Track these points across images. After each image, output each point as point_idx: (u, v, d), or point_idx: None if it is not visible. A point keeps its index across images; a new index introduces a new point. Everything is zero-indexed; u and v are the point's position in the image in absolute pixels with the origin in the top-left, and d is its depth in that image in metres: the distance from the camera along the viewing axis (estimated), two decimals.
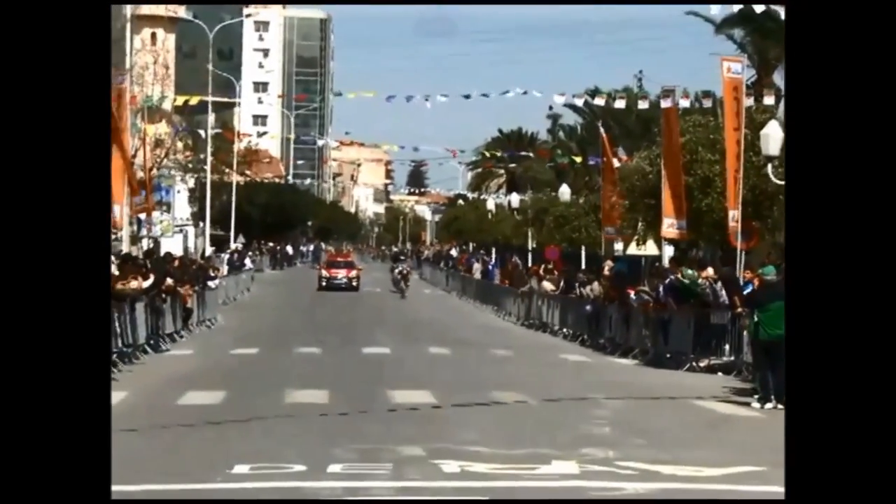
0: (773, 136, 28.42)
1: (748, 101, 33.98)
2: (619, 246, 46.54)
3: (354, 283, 68.55)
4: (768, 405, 21.02)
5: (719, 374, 26.38)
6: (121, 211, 34.51)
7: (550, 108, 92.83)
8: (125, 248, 42.31)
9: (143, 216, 47.15)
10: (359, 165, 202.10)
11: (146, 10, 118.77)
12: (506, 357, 31.35)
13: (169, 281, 32.90)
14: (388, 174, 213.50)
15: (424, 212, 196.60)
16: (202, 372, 25.91)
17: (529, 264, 56.98)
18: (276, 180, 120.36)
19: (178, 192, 72.72)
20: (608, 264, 40.20)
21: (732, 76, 30.52)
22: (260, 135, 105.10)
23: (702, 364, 27.56)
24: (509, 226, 75.66)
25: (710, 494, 12.53)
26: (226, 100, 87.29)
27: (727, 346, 27.38)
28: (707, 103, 46.81)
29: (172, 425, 17.54)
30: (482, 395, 21.53)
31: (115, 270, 27.91)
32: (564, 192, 59.42)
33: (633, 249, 46.23)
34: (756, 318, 22.24)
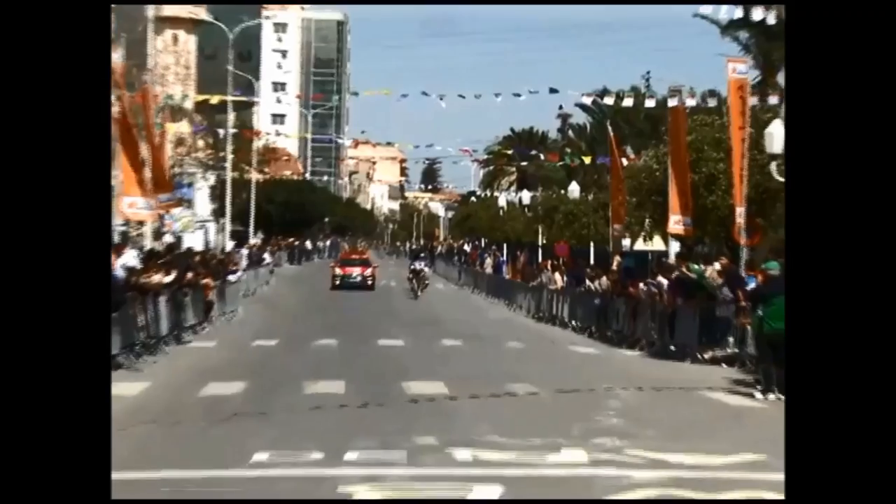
0: (776, 135, 28.37)
1: (752, 101, 33.94)
2: (626, 242, 46.56)
3: (370, 282, 63.18)
4: (771, 396, 21.06)
5: (723, 365, 26.38)
6: (152, 206, 34.42)
7: (560, 107, 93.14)
8: (148, 243, 42.45)
9: (164, 212, 47.18)
10: (374, 163, 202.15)
11: (168, 11, 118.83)
12: (517, 349, 31.36)
13: (190, 275, 32.99)
14: (403, 172, 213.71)
15: (438, 209, 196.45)
16: (223, 363, 25.97)
17: (540, 260, 56.98)
18: (294, 178, 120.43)
19: (199, 189, 72.84)
20: (616, 260, 40.26)
21: (738, 76, 30.48)
22: (278, 133, 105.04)
23: (706, 356, 27.56)
24: (520, 223, 75.64)
25: (715, 483, 12.54)
26: (245, 99, 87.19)
27: (731, 339, 27.38)
28: (712, 103, 46.72)
29: (194, 415, 17.61)
30: (495, 387, 21.54)
31: (138, 265, 28.01)
32: (574, 189, 59.45)
33: (640, 245, 46.28)
34: (760, 313, 22.27)
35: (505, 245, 77.57)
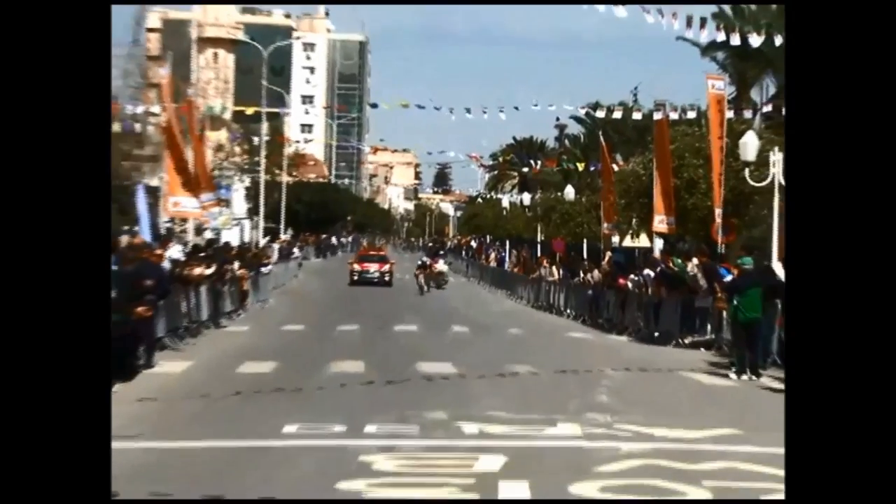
0: (750, 144, 28.35)
1: (729, 114, 33.88)
2: (615, 239, 46.48)
3: (387, 278, 57.83)
4: (744, 377, 21.15)
5: (701, 350, 26.34)
6: (194, 205, 34.45)
7: (557, 119, 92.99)
8: (191, 238, 42.46)
9: (205, 211, 47.15)
10: (391, 168, 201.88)
11: (210, 32, 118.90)
12: (519, 335, 31.34)
13: (228, 267, 33.00)
14: (417, 175, 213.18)
15: (448, 208, 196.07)
16: (257, 345, 25.98)
17: (538, 255, 56.91)
18: (320, 180, 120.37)
19: (236, 190, 72.76)
20: (608, 255, 40.20)
21: (716, 92, 30.41)
22: (306, 141, 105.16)
23: (686, 341, 27.53)
24: (521, 221, 75.50)
25: (694, 453, 12.53)
26: (277, 110, 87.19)
27: (709, 326, 27.34)
28: (693, 115, 46.62)
29: (231, 390, 17.63)
30: (498, 368, 21.54)
31: (182, 258, 28.05)
32: (569, 192, 59.32)
33: (627, 242, 46.20)
34: (735, 303, 22.28)
35: (507, 241, 77.48)
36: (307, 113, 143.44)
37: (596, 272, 37.19)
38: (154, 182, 46.83)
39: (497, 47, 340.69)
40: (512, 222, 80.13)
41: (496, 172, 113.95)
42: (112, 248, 20.28)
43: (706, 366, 23.18)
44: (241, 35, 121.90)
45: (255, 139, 72.94)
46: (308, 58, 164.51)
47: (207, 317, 29.20)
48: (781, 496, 10.57)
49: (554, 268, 45.89)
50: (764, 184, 27.37)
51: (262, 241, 65.90)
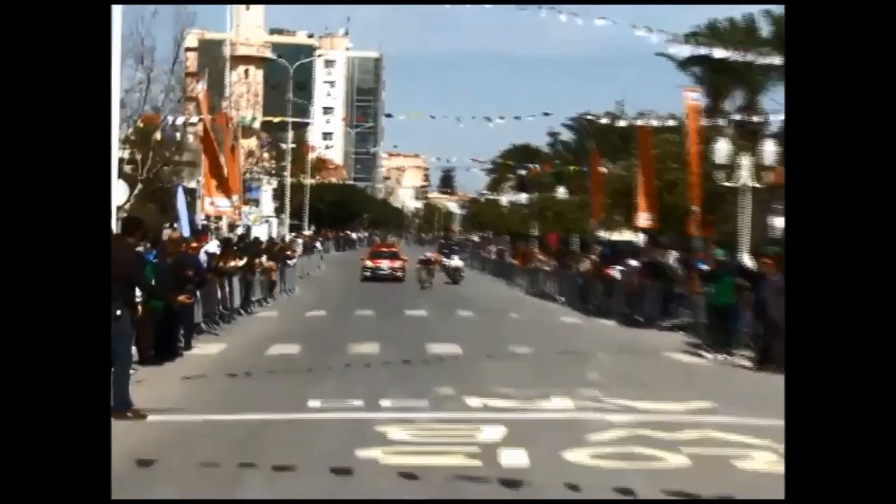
0: (721, 150, 28.36)
1: (704, 122, 33.84)
2: (603, 234, 46.51)
3: (399, 274, 51.99)
4: (719, 357, 21.11)
5: (680, 332, 26.33)
6: (228, 204, 34.56)
7: (551, 127, 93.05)
8: (225, 234, 42.46)
9: (237, 209, 47.11)
10: (403, 171, 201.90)
11: (242, 51, 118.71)
12: (517, 319, 31.33)
13: (257, 259, 33.01)
14: (426, 177, 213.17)
15: (454, 207, 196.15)
16: (284, 329, 25.99)
17: (536, 248, 56.92)
18: (340, 182, 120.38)
19: (265, 191, 72.77)
20: (596, 248, 40.19)
21: (693, 102, 30.35)
22: (327, 147, 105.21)
23: (666, 324, 27.51)
24: (519, 218, 75.55)
25: (673, 424, 12.53)
26: (301, 120, 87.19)
27: (687, 311, 27.31)
28: (672, 123, 46.55)
29: (262, 369, 17.66)
30: (500, 348, 21.56)
31: (217, 252, 28.06)
32: (562, 192, 59.38)
33: (614, 237, 46.24)
34: (712, 290, 22.28)
35: (507, 236, 77.46)
36: (328, 122, 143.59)
37: (585, 263, 37.16)
38: (192, 184, 46.80)
39: (498, 65, 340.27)
40: (511, 219, 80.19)
41: (496, 175, 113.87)
42: (155, 243, 20.32)
43: (684, 346, 23.16)
44: (269, 53, 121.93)
45: (282, 146, 72.97)
46: (329, 73, 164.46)
47: (240, 304, 29.22)
48: (751, 461, 10.60)
49: (548, 259, 45.84)
50: (735, 184, 27.36)
51: (288, 237, 65.88)
